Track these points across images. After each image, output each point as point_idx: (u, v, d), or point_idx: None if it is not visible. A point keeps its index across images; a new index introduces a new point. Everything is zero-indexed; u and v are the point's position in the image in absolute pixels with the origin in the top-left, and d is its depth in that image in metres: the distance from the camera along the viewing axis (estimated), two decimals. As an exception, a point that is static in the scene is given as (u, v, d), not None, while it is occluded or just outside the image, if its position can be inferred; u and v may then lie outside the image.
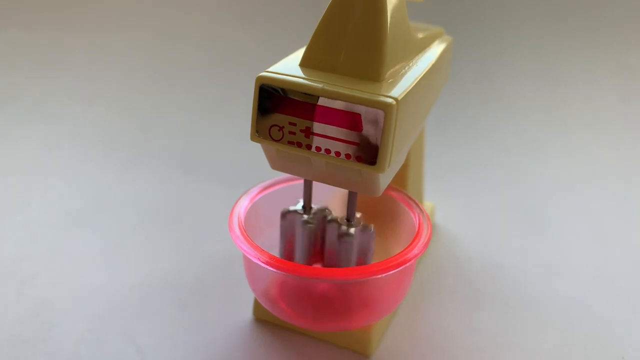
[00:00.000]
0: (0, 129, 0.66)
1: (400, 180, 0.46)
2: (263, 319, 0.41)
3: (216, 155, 0.63)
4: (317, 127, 0.31)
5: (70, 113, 0.70)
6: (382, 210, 0.42)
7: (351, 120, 0.30)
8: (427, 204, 0.52)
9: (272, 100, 0.32)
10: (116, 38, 0.82)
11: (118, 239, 0.49)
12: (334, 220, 0.37)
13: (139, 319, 0.41)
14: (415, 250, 0.34)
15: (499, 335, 0.40)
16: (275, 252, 0.39)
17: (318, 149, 0.31)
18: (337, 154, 0.31)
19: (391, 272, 0.33)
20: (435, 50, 0.39)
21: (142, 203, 0.54)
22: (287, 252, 0.39)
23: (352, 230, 0.36)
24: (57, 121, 0.68)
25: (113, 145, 0.64)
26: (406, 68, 0.34)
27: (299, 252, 0.38)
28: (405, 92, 0.31)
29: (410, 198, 0.40)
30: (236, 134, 0.66)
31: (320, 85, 0.31)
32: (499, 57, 0.79)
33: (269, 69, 0.32)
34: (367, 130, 0.30)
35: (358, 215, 0.38)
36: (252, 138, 0.33)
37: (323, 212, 0.38)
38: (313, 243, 0.38)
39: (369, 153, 0.30)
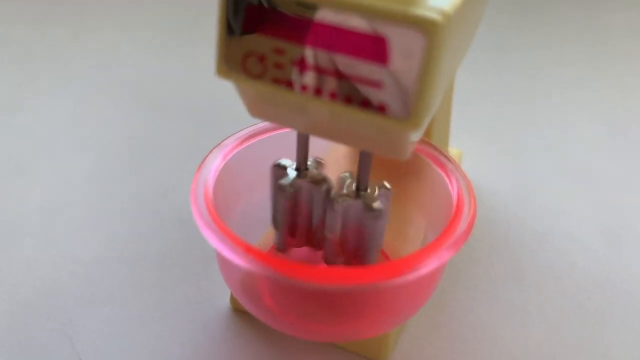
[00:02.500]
0: None
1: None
2: (242, 309, 0.31)
3: (190, 86, 0.51)
4: (317, 56, 0.20)
5: (21, 35, 0.58)
6: (399, 167, 0.31)
7: (371, 47, 0.19)
8: (453, 151, 0.41)
9: (247, 12, 0.20)
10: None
11: (62, 189, 0.39)
12: (343, 195, 0.26)
13: (79, 308, 0.31)
14: (455, 241, 0.24)
15: (543, 341, 0.31)
16: (263, 221, 0.29)
17: (318, 91, 0.20)
18: (348, 99, 0.20)
19: (421, 273, 0.23)
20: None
21: (97, 142, 0.43)
22: (277, 221, 0.29)
23: (377, 204, 0.26)
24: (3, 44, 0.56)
25: (68, 70, 0.52)
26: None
27: (286, 226, 0.28)
28: (456, 5, 0.20)
29: (441, 153, 0.29)
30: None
31: (325, -7, 0.19)
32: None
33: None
34: (397, 63, 0.19)
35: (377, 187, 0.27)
36: (218, 72, 0.22)
37: (324, 179, 0.27)
38: (305, 217, 0.28)
39: (398, 100, 0.19)
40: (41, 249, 0.34)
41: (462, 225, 0.25)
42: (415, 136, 0.22)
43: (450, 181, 0.27)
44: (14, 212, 0.37)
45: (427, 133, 0.34)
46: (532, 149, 0.45)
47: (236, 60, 0.21)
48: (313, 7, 0.19)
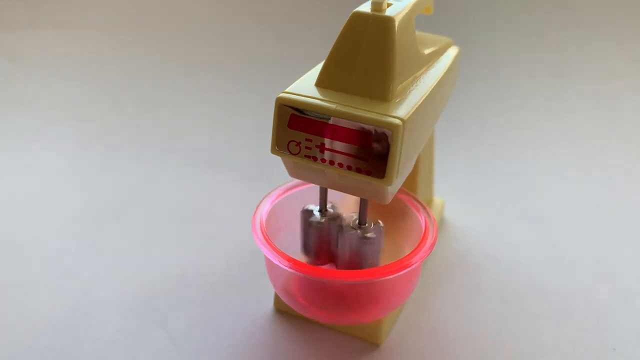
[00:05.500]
0: (32, 128, 0.70)
1: (411, 182, 0.49)
2: (283, 310, 0.45)
3: (239, 152, 0.66)
4: (330, 143, 0.34)
5: (98, 112, 0.74)
6: (392, 211, 0.45)
7: (361, 138, 0.33)
8: (437, 200, 0.55)
9: (290, 118, 0.35)
10: (138, 36, 0.86)
11: (149, 232, 0.53)
12: (349, 227, 0.40)
13: (171, 309, 0.45)
14: (421, 254, 0.37)
15: (499, 325, 0.44)
16: (296, 247, 0.43)
17: (332, 162, 0.35)
18: (349, 167, 0.34)
19: (398, 274, 0.36)
20: (443, 63, 0.42)
21: (170, 199, 0.58)
22: (307, 247, 0.43)
23: (370, 234, 0.40)
24: (87, 120, 0.72)
25: (141, 142, 0.68)
26: (413, 85, 0.37)
27: (313, 250, 0.42)
28: (412, 111, 0.34)
29: (417, 201, 0.43)
30: (258, 130, 0.69)
31: (333, 107, 0.34)
32: (502, 55, 0.81)
33: (288, 89, 0.36)
34: (376, 147, 0.33)
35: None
36: (272, 151, 0.36)
37: (337, 217, 0.41)
38: (325, 242, 0.42)
39: (377, 168, 0.33)
40: (140, 270, 0.49)
41: (426, 245, 0.38)
42: (392, 189, 0.36)
43: (420, 216, 0.41)
44: (115, 247, 0.52)
45: (413, 185, 0.48)
46: (501, 198, 0.59)
47: (283, 144, 0.36)
48: (328, 116, 0.34)
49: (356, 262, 0.40)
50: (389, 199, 0.37)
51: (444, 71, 0.41)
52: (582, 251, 0.52)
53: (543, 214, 0.56)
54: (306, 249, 0.42)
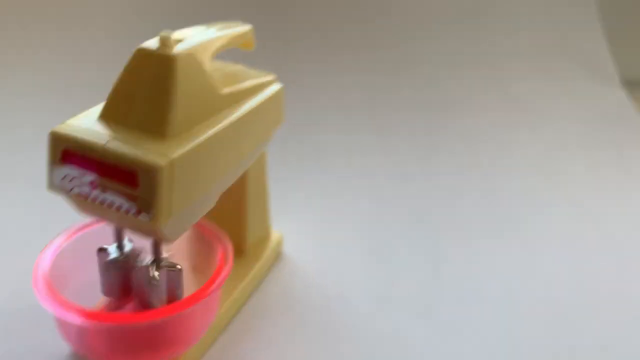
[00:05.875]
0: None
1: (239, 216, 0.49)
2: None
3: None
4: (101, 180, 0.33)
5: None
6: (195, 247, 0.44)
7: (129, 177, 0.32)
8: (275, 234, 0.54)
9: (62, 152, 0.34)
10: None
11: None
12: (142, 265, 0.39)
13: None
14: (201, 296, 0.37)
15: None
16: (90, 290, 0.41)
17: (103, 201, 0.33)
18: (118, 208, 0.33)
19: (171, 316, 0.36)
20: (252, 102, 0.41)
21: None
22: (105, 287, 0.41)
23: (157, 274, 0.39)
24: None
25: None
26: (204, 125, 0.36)
27: (110, 289, 0.40)
28: (185, 151, 0.33)
29: (216, 234, 0.42)
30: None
31: (101, 143, 0.33)
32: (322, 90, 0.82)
33: (66, 122, 0.35)
34: (144, 186, 0.32)
35: (167, 255, 0.40)
36: (48, 188, 0.35)
37: (136, 253, 0.40)
38: (123, 281, 0.40)
39: (146, 208, 0.33)
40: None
41: (221, 277, 0.38)
42: (172, 228, 0.35)
43: (217, 248, 0.41)
44: None
45: (243, 220, 0.48)
46: (343, 233, 0.59)
47: (58, 180, 0.34)
48: (97, 152, 0.33)
49: (147, 302, 0.39)
50: (171, 238, 0.36)
51: (247, 111, 0.40)
52: (416, 293, 0.52)
53: (388, 254, 0.56)
54: (104, 289, 0.41)
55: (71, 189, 0.34)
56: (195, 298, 0.37)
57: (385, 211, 0.63)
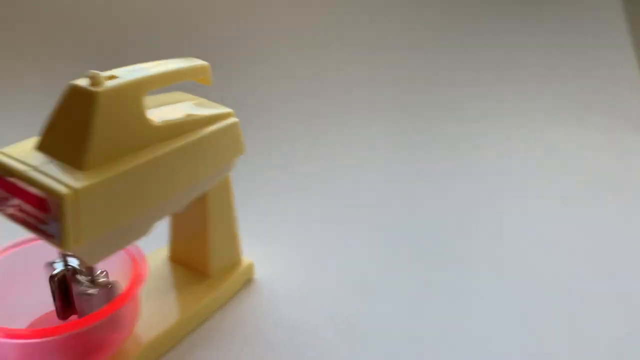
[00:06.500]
0: None
1: (202, 239, 0.51)
2: None
3: None
4: (23, 205, 0.37)
5: None
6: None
7: (42, 203, 0.36)
8: (245, 260, 0.56)
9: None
10: None
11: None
12: (77, 281, 0.42)
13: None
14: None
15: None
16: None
17: (23, 222, 0.37)
18: (37, 229, 0.36)
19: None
20: (194, 135, 0.44)
21: None
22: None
23: (92, 289, 0.42)
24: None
25: None
26: (131, 157, 0.39)
27: (56, 303, 0.44)
28: (95, 182, 0.36)
29: (132, 256, 0.45)
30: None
31: (22, 170, 0.36)
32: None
33: (3, 149, 0.38)
34: (53, 213, 0.35)
35: (102, 272, 0.43)
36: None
37: (77, 270, 0.43)
38: (63, 295, 0.44)
39: (55, 233, 0.36)
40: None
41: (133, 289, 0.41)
42: (91, 250, 0.38)
43: (135, 266, 0.44)
44: None
45: (206, 246, 0.50)
46: (315, 258, 0.59)
47: (-6, 200, 0.38)
48: (18, 177, 0.36)
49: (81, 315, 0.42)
50: (91, 261, 0.39)
51: (186, 143, 0.43)
52: (390, 327, 0.51)
53: (370, 282, 0.56)
54: (55, 301, 0.44)
55: (2, 210, 0.38)
56: (101, 313, 0.39)
57: (369, 241, 0.62)
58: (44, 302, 0.45)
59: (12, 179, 0.37)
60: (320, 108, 0.92)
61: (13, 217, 0.37)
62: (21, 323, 0.46)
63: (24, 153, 0.38)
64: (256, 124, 0.86)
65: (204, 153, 0.45)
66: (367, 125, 0.88)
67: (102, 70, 0.39)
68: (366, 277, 0.57)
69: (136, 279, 0.42)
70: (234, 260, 0.55)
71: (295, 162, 0.78)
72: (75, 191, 0.35)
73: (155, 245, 0.55)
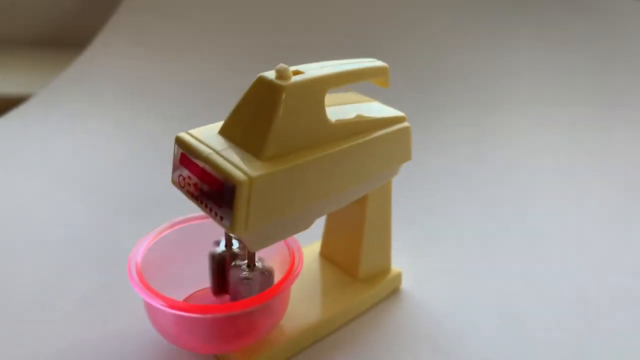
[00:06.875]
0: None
1: (355, 241, 0.50)
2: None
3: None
4: (201, 184, 0.38)
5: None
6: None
7: (219, 186, 0.37)
8: (395, 269, 0.54)
9: (181, 155, 0.40)
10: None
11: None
12: (236, 264, 0.44)
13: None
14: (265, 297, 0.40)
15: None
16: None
17: (201, 201, 0.39)
18: (210, 210, 0.38)
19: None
20: (367, 137, 0.43)
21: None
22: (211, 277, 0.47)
23: (251, 274, 0.43)
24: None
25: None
26: (307, 151, 0.39)
27: (213, 280, 0.46)
28: (269, 172, 0.37)
29: (291, 248, 0.45)
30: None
31: (205, 153, 0.38)
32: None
33: (190, 131, 0.41)
34: (227, 197, 0.37)
35: (257, 259, 0.44)
36: (172, 181, 0.41)
37: (235, 254, 0.45)
38: (221, 275, 0.45)
39: (227, 216, 0.37)
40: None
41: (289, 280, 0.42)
42: (256, 238, 0.39)
43: (293, 258, 0.44)
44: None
45: (358, 249, 0.50)
46: (467, 272, 0.56)
47: (176, 176, 0.41)
48: (200, 159, 0.38)
49: (237, 299, 0.43)
50: (254, 247, 0.40)
51: (359, 143, 0.42)
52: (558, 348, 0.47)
53: (522, 316, 0.52)
54: (211, 279, 0.46)
55: (183, 187, 0.40)
56: (258, 299, 0.40)
57: (526, 273, 0.58)
58: (203, 279, 0.47)
59: (194, 159, 0.39)
60: (495, 116, 0.88)
61: (190, 194, 0.39)
62: (178, 295, 0.49)
63: (208, 136, 0.40)
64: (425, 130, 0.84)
65: (372, 155, 0.44)
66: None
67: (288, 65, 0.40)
68: (518, 309, 0.53)
69: (292, 271, 0.43)
70: (384, 267, 0.54)
71: (461, 175, 0.76)
72: (251, 179, 0.36)
73: (309, 240, 0.56)
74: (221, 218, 0.37)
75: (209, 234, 0.47)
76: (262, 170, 0.37)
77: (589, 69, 0.95)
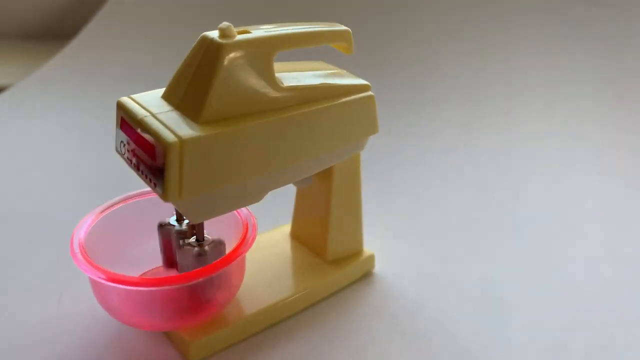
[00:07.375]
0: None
1: (322, 221, 0.48)
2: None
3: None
4: (137, 150, 0.36)
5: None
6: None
7: (151, 150, 0.35)
8: (367, 251, 0.51)
9: (121, 119, 0.38)
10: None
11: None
12: (183, 236, 0.41)
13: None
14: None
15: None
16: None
17: (136, 167, 0.37)
18: (146, 177, 0.36)
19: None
20: (324, 104, 0.40)
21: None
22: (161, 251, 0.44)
23: (196, 248, 0.41)
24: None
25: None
26: (251, 116, 0.37)
27: (163, 254, 0.44)
28: (203, 135, 0.34)
29: (242, 217, 0.43)
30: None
31: (140, 116, 0.36)
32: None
33: (132, 95, 0.39)
34: (159, 161, 0.34)
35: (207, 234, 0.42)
36: (116, 149, 0.39)
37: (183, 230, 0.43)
38: (170, 249, 0.43)
39: (159, 182, 0.35)
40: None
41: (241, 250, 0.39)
42: (195, 206, 0.36)
43: (246, 229, 0.42)
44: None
45: (325, 229, 0.48)
46: (436, 252, 0.53)
47: (118, 144, 0.39)
48: (135, 123, 0.36)
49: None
50: (195, 219, 0.37)
51: (313, 110, 0.39)
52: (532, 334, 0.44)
53: (501, 299, 0.49)
54: (162, 252, 0.44)
55: (123, 154, 0.38)
56: (205, 270, 0.38)
57: (500, 241, 0.55)
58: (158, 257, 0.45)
59: (131, 123, 0.37)
60: (479, 94, 0.84)
61: (129, 162, 0.37)
62: (136, 272, 0.47)
63: (149, 100, 0.38)
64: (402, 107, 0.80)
65: (329, 125, 0.41)
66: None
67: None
68: (498, 294, 0.50)
69: (243, 240, 0.40)
70: (355, 249, 0.51)
71: (435, 152, 0.73)
72: (182, 141, 0.34)
73: (287, 220, 0.54)
74: (154, 185, 0.35)
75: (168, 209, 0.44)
76: (197, 132, 0.34)
77: (593, 59, 0.91)
